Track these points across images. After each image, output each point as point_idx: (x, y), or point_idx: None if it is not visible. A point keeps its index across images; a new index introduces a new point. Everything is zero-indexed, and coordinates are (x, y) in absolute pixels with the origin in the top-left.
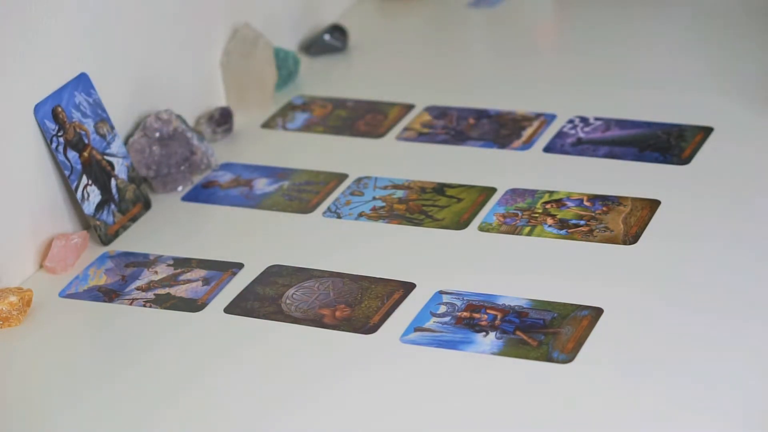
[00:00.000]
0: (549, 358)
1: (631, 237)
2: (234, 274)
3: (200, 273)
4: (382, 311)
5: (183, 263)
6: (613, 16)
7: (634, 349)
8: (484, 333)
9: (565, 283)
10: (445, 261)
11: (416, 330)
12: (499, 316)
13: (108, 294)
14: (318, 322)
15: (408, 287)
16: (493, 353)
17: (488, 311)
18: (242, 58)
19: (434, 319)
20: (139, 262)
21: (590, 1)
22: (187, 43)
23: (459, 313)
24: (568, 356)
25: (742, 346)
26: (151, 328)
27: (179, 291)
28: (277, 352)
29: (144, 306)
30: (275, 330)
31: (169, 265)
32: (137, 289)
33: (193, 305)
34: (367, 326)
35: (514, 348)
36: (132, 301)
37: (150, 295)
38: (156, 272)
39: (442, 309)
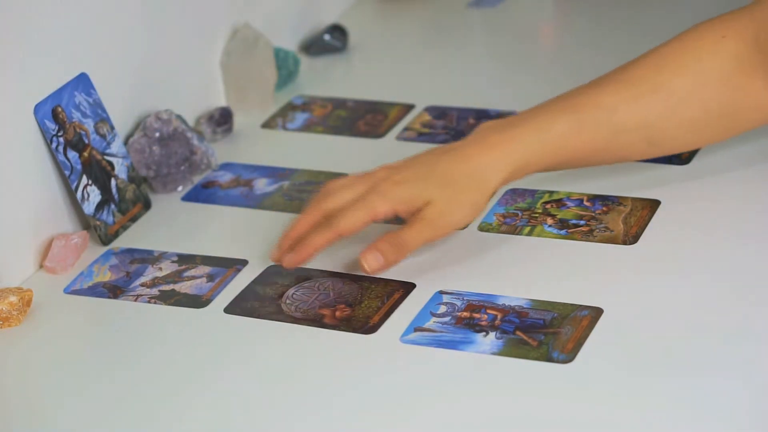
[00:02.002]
0: (549, 358)
1: (631, 237)
2: (238, 270)
3: (204, 269)
4: (382, 311)
5: (187, 260)
6: (614, 16)
7: (634, 349)
8: (484, 333)
9: (565, 283)
10: (445, 261)
11: (416, 330)
12: (499, 316)
13: (113, 290)
14: (318, 322)
15: (408, 287)
16: (493, 353)
17: (488, 311)
18: (242, 58)
19: (434, 319)
20: (144, 258)
21: (590, 1)
22: (187, 43)
23: (459, 313)
24: (568, 356)
25: (744, 346)
26: (155, 325)
27: (184, 287)
28: (278, 352)
29: (149, 302)
30: (275, 330)
31: (173, 262)
32: (142, 285)
33: (197, 301)
34: (367, 326)
35: (514, 348)
36: (136, 298)
37: (154, 291)
38: (160, 269)
39: (442, 309)
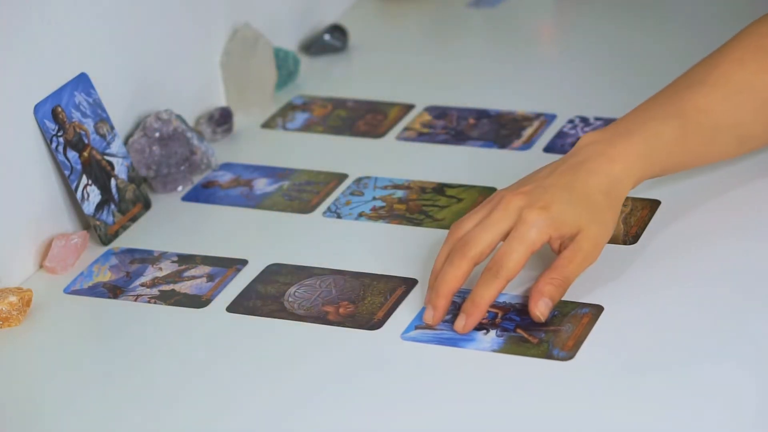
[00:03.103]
0: (549, 356)
1: (631, 237)
2: (238, 270)
3: (204, 269)
4: (386, 307)
5: (187, 260)
6: (614, 16)
7: (634, 346)
8: (484, 331)
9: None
10: None
11: (417, 328)
12: (499, 314)
13: (113, 290)
14: (322, 319)
15: (410, 283)
16: (494, 350)
17: (489, 309)
18: (242, 58)
19: None
20: (144, 258)
21: (591, 0)
22: (187, 43)
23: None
24: (569, 354)
25: (743, 345)
26: (155, 325)
27: (184, 287)
28: (282, 350)
29: (149, 302)
30: (280, 327)
31: (173, 262)
32: (142, 285)
33: (197, 301)
34: (372, 322)
35: (514, 345)
36: (136, 298)
37: (154, 291)
38: (160, 269)
39: None
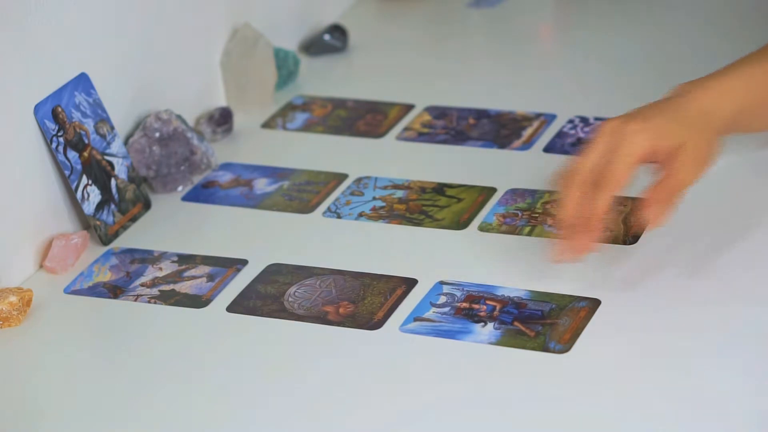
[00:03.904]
0: (546, 348)
1: (631, 237)
2: (238, 270)
3: (204, 269)
4: (386, 307)
5: (187, 260)
6: (614, 16)
7: (629, 340)
8: (482, 323)
9: (565, 281)
10: (446, 259)
11: (416, 320)
12: (498, 307)
13: (113, 290)
14: (322, 319)
15: (410, 283)
16: (491, 343)
17: (487, 302)
18: (242, 58)
19: (434, 309)
20: (144, 258)
21: (591, 1)
22: (187, 43)
23: (458, 304)
24: (565, 347)
25: (741, 344)
26: (155, 325)
27: (184, 287)
28: (283, 350)
29: (149, 302)
30: (280, 327)
31: (173, 262)
32: (142, 285)
33: (197, 301)
34: (372, 322)
35: (511, 338)
36: (136, 298)
37: (154, 291)
38: (160, 269)
39: (442, 299)
